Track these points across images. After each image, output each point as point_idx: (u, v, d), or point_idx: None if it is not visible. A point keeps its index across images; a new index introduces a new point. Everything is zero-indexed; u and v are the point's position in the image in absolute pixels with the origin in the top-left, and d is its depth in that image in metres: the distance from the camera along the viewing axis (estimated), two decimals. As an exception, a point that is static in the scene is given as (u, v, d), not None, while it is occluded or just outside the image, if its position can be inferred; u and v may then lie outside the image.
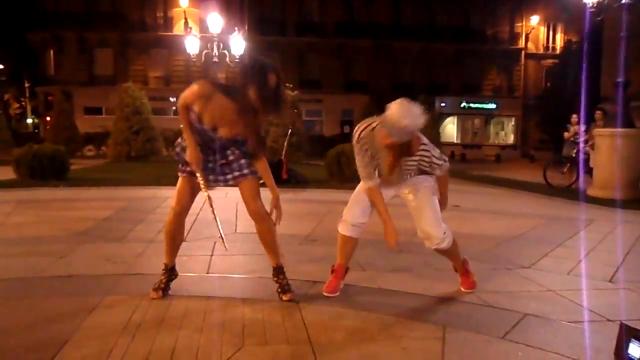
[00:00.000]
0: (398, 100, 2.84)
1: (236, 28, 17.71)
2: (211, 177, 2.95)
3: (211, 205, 2.89)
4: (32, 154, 9.28)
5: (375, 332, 2.54)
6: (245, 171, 2.96)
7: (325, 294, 3.07)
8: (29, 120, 48.09)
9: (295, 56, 32.44)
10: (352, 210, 3.18)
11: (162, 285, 2.98)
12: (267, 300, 2.97)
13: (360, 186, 3.20)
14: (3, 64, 40.93)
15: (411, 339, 2.46)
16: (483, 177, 13.54)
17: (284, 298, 2.95)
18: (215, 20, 14.72)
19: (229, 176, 2.97)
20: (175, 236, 3.02)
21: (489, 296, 3.14)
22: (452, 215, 6.55)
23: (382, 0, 33.24)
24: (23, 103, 48.67)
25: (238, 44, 16.18)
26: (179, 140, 2.97)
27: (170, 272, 3.04)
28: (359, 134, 2.98)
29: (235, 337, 2.42)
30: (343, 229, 3.20)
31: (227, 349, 2.29)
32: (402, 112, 2.77)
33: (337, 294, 3.10)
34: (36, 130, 38.26)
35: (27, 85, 43.99)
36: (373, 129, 2.93)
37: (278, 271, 3.04)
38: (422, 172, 3.13)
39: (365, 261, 3.94)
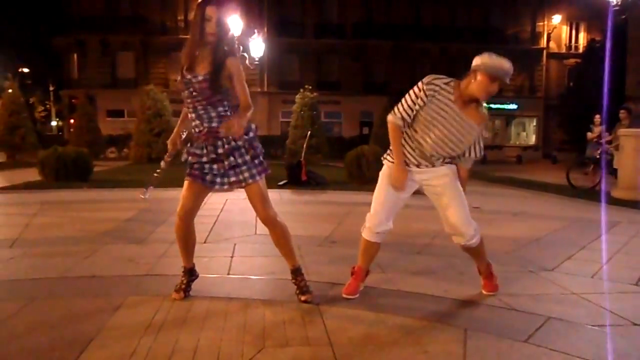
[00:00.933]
0: (482, 54, 2.90)
1: (255, 30, 17.82)
2: (208, 177, 2.88)
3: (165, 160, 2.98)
4: (56, 156, 9.46)
5: (396, 335, 2.53)
6: (241, 177, 2.86)
7: (345, 296, 3.07)
8: (54, 123, 49.04)
9: (314, 58, 32.51)
10: (378, 217, 3.12)
11: (183, 287, 3.01)
12: (287, 301, 2.98)
13: (382, 180, 3.14)
14: (28, 68, 41.83)
15: (432, 343, 2.45)
16: (504, 179, 13.39)
17: (302, 299, 2.96)
18: (235, 23, 14.83)
19: (228, 179, 2.88)
20: (186, 239, 3.02)
21: (511, 299, 3.11)
22: (473, 217, 6.49)
23: (401, 1, 33.13)
24: (48, 106, 49.63)
25: (258, 46, 16.28)
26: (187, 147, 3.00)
27: (190, 274, 3.07)
28: (435, 82, 2.94)
29: (256, 339, 2.43)
30: (367, 235, 3.16)
31: (248, 350, 2.31)
32: (498, 58, 2.83)
33: (357, 296, 3.09)
34: (60, 133, 38.96)
35: (51, 88, 44.86)
36: (447, 83, 2.95)
37: (296, 273, 3.04)
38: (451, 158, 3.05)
39: (386, 263, 3.92)
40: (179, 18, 31.60)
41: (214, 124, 2.83)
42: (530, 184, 11.68)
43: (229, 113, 2.85)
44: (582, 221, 6.33)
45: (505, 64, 2.82)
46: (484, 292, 3.23)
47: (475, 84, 2.88)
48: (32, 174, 10.12)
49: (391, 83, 32.75)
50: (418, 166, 3.07)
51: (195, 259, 3.35)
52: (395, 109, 3.03)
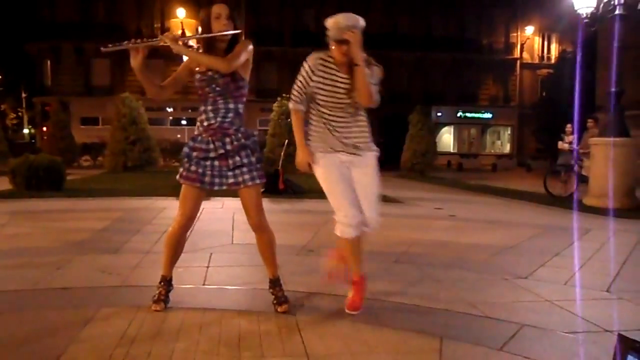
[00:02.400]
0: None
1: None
2: (207, 178, 2.85)
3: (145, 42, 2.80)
4: (28, 165, 9.25)
5: (372, 344, 2.52)
6: (241, 179, 2.86)
7: (350, 312, 2.93)
8: (26, 131, 48.11)
9: (291, 66, 32.49)
10: (345, 209, 2.98)
11: (162, 297, 2.96)
12: (263, 312, 2.96)
13: (329, 172, 3.09)
14: (0, 75, 40.97)
15: (407, 352, 2.45)
16: (479, 187, 13.58)
17: (280, 309, 2.93)
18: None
19: (225, 180, 2.86)
20: (177, 248, 2.98)
21: (486, 307, 3.14)
22: (448, 225, 6.57)
23: (377, 11, 33.43)
24: (20, 113, 48.70)
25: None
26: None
27: (169, 284, 3.02)
28: (320, 55, 3.07)
29: (231, 350, 2.41)
30: (345, 233, 2.98)
31: (223, 362, 2.28)
32: (333, 19, 2.99)
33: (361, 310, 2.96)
34: (33, 141, 38.19)
35: (24, 95, 44.06)
36: (329, 55, 3.06)
37: (275, 283, 3.02)
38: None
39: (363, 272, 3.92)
40: (155, 25, 31.37)
41: (228, 119, 2.85)
42: (505, 192, 11.86)
43: (241, 111, 2.92)
44: (555, 228, 6.45)
45: (339, 19, 2.95)
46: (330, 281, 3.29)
47: (333, 51, 3.01)
48: (3, 183, 9.88)
49: (368, 92, 32.96)
50: (345, 152, 3.10)
51: (174, 270, 3.31)
52: (292, 94, 3.11)
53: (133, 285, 3.46)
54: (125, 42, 2.75)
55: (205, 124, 2.87)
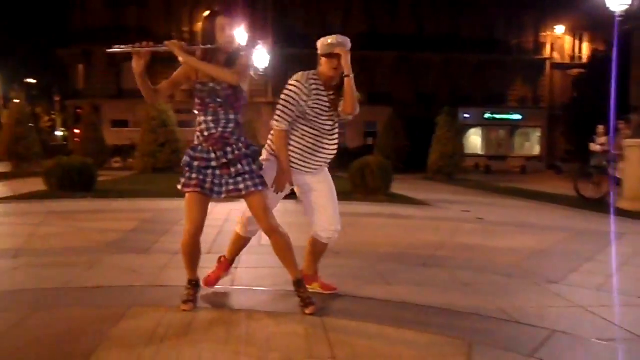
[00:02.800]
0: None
1: (260, 41, 17.92)
2: (207, 185, 2.87)
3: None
4: (61, 166, 9.47)
5: (400, 349, 2.50)
6: (242, 185, 2.86)
7: (205, 286, 3.23)
8: (59, 133, 49.34)
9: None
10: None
11: (191, 298, 3.00)
12: (290, 313, 2.97)
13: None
14: (35, 79, 42.15)
15: (437, 356, 2.43)
16: (508, 189, 13.37)
17: (307, 312, 2.94)
18: (240, 34, 14.93)
19: (225, 188, 2.87)
20: (193, 254, 3.02)
21: (516, 312, 3.08)
22: (476, 228, 6.48)
23: (404, 12, 33.33)
24: (53, 116, 50.00)
25: (262, 57, 16.36)
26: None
27: (197, 285, 3.06)
28: (311, 76, 3.17)
29: (259, 351, 2.42)
30: (241, 231, 3.30)
31: (251, 363, 2.29)
32: (324, 38, 3.21)
33: (216, 286, 3.33)
34: (65, 143, 39.12)
35: (57, 99, 45.22)
36: (315, 74, 3.19)
37: (298, 284, 3.04)
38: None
39: (390, 275, 3.91)
40: (184, 29, 31.83)
41: (229, 129, 2.89)
42: (534, 195, 11.65)
43: (240, 121, 2.96)
44: (588, 232, 6.30)
45: (329, 38, 3.16)
46: (323, 291, 3.36)
47: (323, 66, 3.18)
48: (37, 184, 10.14)
49: (395, 93, 32.84)
50: (310, 170, 3.22)
51: (199, 270, 3.34)
52: (278, 115, 3.13)
53: (162, 285, 3.51)
54: (130, 45, 2.80)
55: (206, 133, 2.89)
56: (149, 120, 18.30)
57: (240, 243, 3.36)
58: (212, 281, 3.33)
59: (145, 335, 2.55)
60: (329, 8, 33.04)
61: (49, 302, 3.12)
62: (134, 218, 6.60)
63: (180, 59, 2.80)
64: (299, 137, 3.16)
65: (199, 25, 2.92)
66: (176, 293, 3.10)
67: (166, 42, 2.82)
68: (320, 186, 3.25)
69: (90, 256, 4.31)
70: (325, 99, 3.17)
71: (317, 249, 3.37)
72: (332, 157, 3.28)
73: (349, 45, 3.18)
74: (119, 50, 2.79)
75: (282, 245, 3.01)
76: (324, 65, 3.17)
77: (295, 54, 31.37)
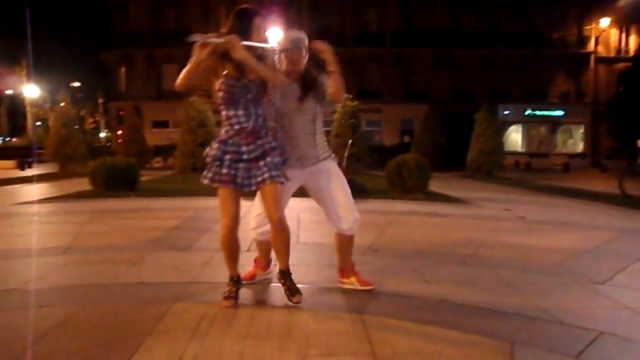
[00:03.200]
0: None
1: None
2: (238, 180, 2.93)
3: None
4: (106, 167, 9.76)
5: (440, 346, 2.49)
6: (266, 175, 2.93)
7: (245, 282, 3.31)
8: (102, 134, 50.89)
9: (354, 66, 32.54)
10: (258, 218, 3.34)
11: (232, 294, 3.06)
12: (329, 310, 2.99)
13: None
14: (79, 82, 43.58)
15: (477, 355, 2.40)
16: (550, 187, 13.03)
17: (294, 300, 3.03)
18: (275, 34, 15.05)
19: (254, 180, 2.94)
20: (233, 249, 3.08)
21: (560, 312, 3.01)
22: (518, 227, 6.35)
23: (441, 8, 32.85)
24: (97, 118, 51.60)
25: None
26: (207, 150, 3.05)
27: (238, 281, 3.12)
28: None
29: (299, 347, 2.44)
30: (256, 237, 3.45)
31: (292, 358, 2.32)
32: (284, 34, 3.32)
33: (254, 280, 3.47)
34: (109, 144, 40.32)
35: (100, 101, 46.64)
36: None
37: (283, 275, 3.14)
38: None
39: (429, 273, 3.88)
40: (221, 30, 32.17)
41: (259, 123, 2.96)
42: (578, 193, 11.32)
43: (262, 112, 3.02)
44: (635, 232, 6.09)
45: (289, 35, 3.26)
46: (360, 287, 3.38)
47: (283, 61, 3.23)
48: (83, 184, 10.49)
49: (432, 90, 32.47)
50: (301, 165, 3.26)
51: (239, 267, 3.41)
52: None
53: (204, 282, 3.58)
54: (215, 34, 2.89)
55: (237, 127, 2.93)
56: (188, 121, 18.66)
57: (263, 246, 3.47)
58: (247, 278, 3.42)
59: (189, 331, 2.62)
60: (365, 6, 32.91)
61: (96, 297, 3.23)
62: (175, 216, 6.75)
63: (238, 55, 2.82)
64: (283, 132, 3.23)
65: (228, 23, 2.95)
66: (217, 289, 3.16)
67: (226, 38, 2.83)
68: (322, 182, 3.28)
69: (134, 253, 4.44)
70: (292, 92, 3.19)
71: (344, 243, 3.42)
72: (313, 150, 3.27)
73: (306, 41, 3.23)
74: (199, 39, 2.84)
75: (284, 238, 3.09)
76: (283, 60, 3.23)
77: (331, 53, 31.42)
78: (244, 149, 2.93)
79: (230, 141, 2.96)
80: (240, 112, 2.94)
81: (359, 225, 3.37)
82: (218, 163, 2.96)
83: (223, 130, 3.00)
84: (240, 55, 2.83)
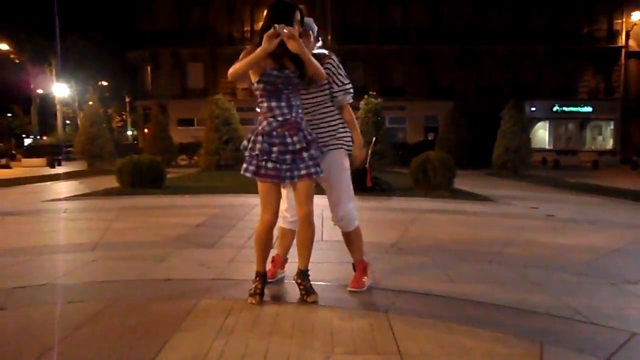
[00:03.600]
0: None
1: (319, 38, 17.97)
2: (282, 173, 2.94)
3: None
4: (132, 164, 9.94)
5: (467, 346, 2.45)
6: (312, 170, 2.97)
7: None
8: (129, 132, 51.73)
9: (378, 63, 32.41)
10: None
11: (259, 291, 3.07)
12: (354, 308, 2.98)
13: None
14: (106, 82, 44.37)
15: (506, 356, 2.36)
16: (579, 185, 12.76)
17: (309, 300, 3.03)
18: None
19: (297, 172, 2.96)
20: (267, 244, 3.11)
21: (591, 312, 2.94)
22: (545, 225, 6.23)
23: (466, 3, 32.42)
24: (124, 116, 52.49)
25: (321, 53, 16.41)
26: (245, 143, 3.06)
27: (264, 279, 3.13)
28: None
29: (324, 345, 2.44)
30: (284, 223, 3.41)
31: (317, 356, 2.32)
32: None
33: (275, 279, 3.43)
34: (135, 142, 40.98)
35: (127, 100, 47.42)
36: None
37: (303, 274, 3.12)
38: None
39: (455, 272, 3.83)
40: (245, 29, 32.47)
41: (300, 114, 2.99)
42: (608, 191, 11.06)
43: (300, 103, 3.04)
44: (669, 230, 5.92)
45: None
46: (349, 287, 3.29)
47: None
48: (111, 181, 10.70)
49: (456, 87, 32.10)
50: None
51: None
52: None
53: (229, 279, 3.60)
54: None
55: (281, 119, 2.94)
56: (212, 119, 18.83)
57: (288, 237, 3.45)
58: (269, 276, 3.37)
59: (215, 328, 2.64)
60: (389, 2, 32.66)
61: (123, 293, 3.28)
62: (201, 213, 6.81)
63: (297, 46, 2.84)
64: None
65: (259, 25, 2.97)
66: (243, 286, 3.18)
67: (288, 28, 2.81)
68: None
69: (161, 250, 4.50)
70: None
71: (343, 237, 3.39)
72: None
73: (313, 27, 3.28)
74: (284, 31, 2.80)
75: (309, 234, 3.09)
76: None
77: (355, 49, 31.35)
78: (289, 140, 2.94)
79: (274, 133, 2.95)
80: (283, 104, 2.95)
81: (351, 223, 3.28)
82: (265, 157, 2.95)
83: (265, 123, 2.98)
84: (298, 47, 2.85)
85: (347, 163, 3.27)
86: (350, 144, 3.27)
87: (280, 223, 3.37)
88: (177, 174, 15.24)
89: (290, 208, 3.33)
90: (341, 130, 3.25)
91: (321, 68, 2.98)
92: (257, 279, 3.11)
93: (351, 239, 3.36)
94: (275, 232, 3.22)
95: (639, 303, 3.18)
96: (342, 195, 3.25)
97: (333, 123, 3.22)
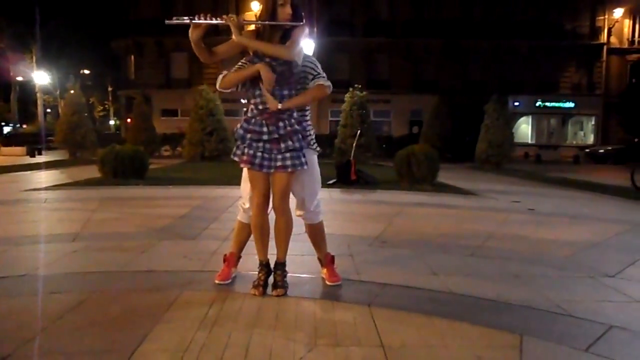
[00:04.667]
0: None
1: (302, 14, 17.91)
2: (257, 160, 2.93)
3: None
4: (114, 154, 9.82)
5: (449, 338, 2.48)
6: (288, 163, 2.93)
7: (217, 282, 3.22)
8: (112, 122, 51.08)
9: (363, 57, 32.39)
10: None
11: (262, 282, 3.05)
12: (337, 300, 2.99)
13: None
14: (89, 70, 43.67)
15: (486, 348, 2.39)
16: (560, 180, 12.94)
17: (273, 293, 3.00)
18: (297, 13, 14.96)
19: (273, 163, 2.94)
20: (264, 228, 3.06)
21: (570, 305, 2.99)
22: (527, 219, 6.31)
23: (452, -2, 32.50)
24: (106, 106, 51.76)
25: (307, 46, 16.36)
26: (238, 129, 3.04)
27: (267, 268, 3.10)
28: None
29: (307, 337, 2.44)
30: (242, 217, 3.28)
31: (299, 349, 2.32)
32: None
33: (229, 281, 3.25)
34: (118, 132, 40.50)
35: (110, 89, 46.76)
36: None
37: (278, 267, 3.08)
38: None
39: (437, 265, 3.86)
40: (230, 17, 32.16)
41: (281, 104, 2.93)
42: (588, 186, 11.23)
43: (294, 93, 2.98)
44: (646, 225, 6.03)
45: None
46: (327, 282, 3.27)
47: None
48: (92, 171, 10.56)
49: (442, 81, 32.23)
50: None
51: (247, 257, 3.41)
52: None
53: (212, 270, 3.57)
54: (189, 17, 2.84)
55: (260, 107, 2.93)
56: (196, 109, 18.69)
57: (244, 233, 3.32)
58: (224, 278, 3.27)
59: (197, 320, 2.63)
60: (375, -6, 32.60)
61: (104, 285, 3.25)
62: (184, 205, 6.77)
63: (235, 38, 2.85)
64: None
65: (245, 15, 2.93)
66: (226, 278, 3.16)
67: (224, 17, 2.84)
68: None
69: (143, 241, 4.46)
70: None
71: (309, 231, 3.37)
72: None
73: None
74: (178, 22, 2.83)
75: (285, 224, 3.06)
76: None
77: (340, 42, 31.26)
78: (264, 129, 2.92)
79: (252, 120, 2.96)
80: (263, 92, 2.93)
81: (319, 215, 3.30)
82: (240, 142, 2.98)
83: (249, 109, 3.00)
84: (237, 39, 2.84)
85: (315, 159, 3.23)
86: (316, 145, 3.22)
87: (237, 216, 3.33)
88: (160, 165, 15.11)
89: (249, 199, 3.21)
90: (309, 129, 3.19)
91: (279, 49, 2.86)
92: (260, 268, 3.09)
93: (318, 231, 3.35)
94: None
95: (617, 296, 3.24)
96: (314, 190, 3.25)
97: (304, 124, 3.16)
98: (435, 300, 3.06)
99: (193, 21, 2.84)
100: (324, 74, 3.15)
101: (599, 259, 4.25)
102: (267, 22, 2.89)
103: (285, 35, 2.91)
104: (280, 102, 2.91)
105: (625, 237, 5.25)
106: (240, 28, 2.89)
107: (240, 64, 3.07)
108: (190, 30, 2.88)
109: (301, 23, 2.89)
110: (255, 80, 2.94)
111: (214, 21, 2.85)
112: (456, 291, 3.23)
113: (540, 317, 2.81)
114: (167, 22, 2.90)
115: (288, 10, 2.87)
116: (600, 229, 5.66)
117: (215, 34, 2.74)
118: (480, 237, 4.97)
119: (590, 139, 34.11)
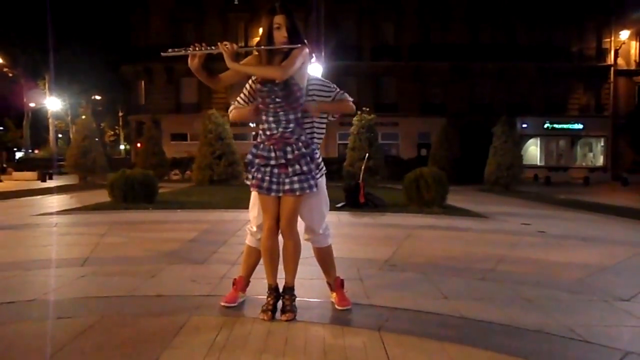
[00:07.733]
0: None
1: (313, 54, 18.12)
2: (265, 184, 2.95)
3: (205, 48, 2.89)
4: (124, 179, 9.88)
5: (461, 364, 2.44)
6: (296, 187, 2.93)
7: (223, 304, 3.22)
8: (122, 147, 51.60)
9: (371, 80, 32.63)
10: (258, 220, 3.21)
11: (271, 307, 3.03)
12: (347, 325, 2.95)
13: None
14: (100, 96, 44.34)
15: (499, 373, 2.34)
16: (570, 202, 12.83)
17: (282, 318, 2.98)
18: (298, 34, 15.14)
19: (281, 187, 2.95)
20: (274, 252, 3.05)
21: (583, 330, 2.93)
22: (538, 242, 6.24)
23: (458, 21, 32.82)
24: (117, 130, 52.39)
25: (315, 70, 16.53)
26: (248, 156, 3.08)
27: (277, 292, 3.08)
28: None
29: (316, 363, 2.41)
30: (251, 241, 3.29)
31: (309, 375, 2.29)
32: None
33: (236, 304, 3.23)
34: (128, 156, 40.85)
35: (120, 114, 47.39)
36: None
37: (286, 291, 3.07)
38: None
39: (448, 289, 3.82)
40: (239, 44, 32.59)
41: (289, 129, 2.94)
42: (599, 207, 11.13)
43: (301, 119, 3.00)
44: (660, 247, 5.94)
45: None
46: (337, 307, 3.24)
47: None
48: (102, 196, 10.63)
49: (449, 104, 32.36)
50: None
51: (256, 281, 3.39)
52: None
53: (220, 295, 3.55)
54: (184, 48, 2.89)
55: (268, 133, 2.96)
56: (206, 134, 18.82)
57: (253, 257, 3.31)
58: (230, 300, 3.27)
59: (206, 345, 2.60)
60: (382, 19, 33.02)
61: (113, 309, 3.24)
62: (193, 229, 6.77)
63: (228, 64, 2.89)
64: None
65: (253, 40, 3.00)
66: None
67: (219, 44, 2.89)
68: None
69: (152, 265, 4.46)
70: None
71: (317, 254, 3.37)
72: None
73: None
74: (174, 53, 2.89)
75: (293, 248, 3.06)
76: None
77: (348, 66, 31.55)
78: (272, 154, 2.94)
79: (261, 146, 3.00)
80: (270, 119, 2.96)
81: (327, 239, 3.30)
82: (250, 167, 3.02)
83: (259, 134, 3.06)
84: (229, 65, 2.88)
85: (323, 182, 3.23)
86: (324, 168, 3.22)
87: (246, 240, 3.33)
88: (170, 189, 15.17)
89: (257, 220, 3.21)
90: (316, 151, 3.15)
91: (270, 70, 2.89)
92: (269, 292, 3.07)
93: (326, 255, 3.34)
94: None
95: (631, 321, 3.18)
96: (323, 214, 3.25)
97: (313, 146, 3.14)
98: (445, 324, 3.02)
99: (189, 51, 2.88)
100: (342, 91, 3.22)
101: (612, 282, 4.18)
102: (262, 47, 2.93)
103: (285, 59, 2.93)
104: (286, 127, 2.93)
105: (638, 259, 5.18)
106: (237, 55, 2.91)
107: (247, 88, 3.16)
108: (188, 60, 2.94)
109: (298, 45, 2.89)
110: (263, 105, 2.97)
111: (209, 50, 2.88)
112: (467, 315, 3.18)
113: (553, 342, 2.76)
114: (162, 54, 2.98)
115: (284, 33, 2.89)
116: (613, 251, 5.59)
117: (222, 60, 2.78)
118: (491, 260, 4.92)
119: (600, 161, 33.94)
